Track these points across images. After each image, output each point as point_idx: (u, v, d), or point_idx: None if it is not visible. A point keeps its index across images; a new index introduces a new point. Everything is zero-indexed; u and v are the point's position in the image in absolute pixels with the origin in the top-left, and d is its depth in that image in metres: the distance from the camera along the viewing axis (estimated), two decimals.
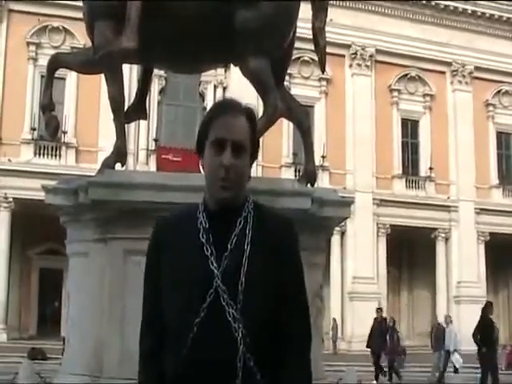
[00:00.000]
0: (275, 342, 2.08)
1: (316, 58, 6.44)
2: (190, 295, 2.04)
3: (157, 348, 2.16)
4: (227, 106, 2.19)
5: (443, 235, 36.60)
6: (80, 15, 6.74)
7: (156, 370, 2.14)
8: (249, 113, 2.19)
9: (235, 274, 2.03)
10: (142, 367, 2.23)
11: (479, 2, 37.53)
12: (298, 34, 6.08)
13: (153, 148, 32.21)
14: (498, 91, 38.84)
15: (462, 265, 36.04)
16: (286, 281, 2.10)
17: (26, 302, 33.01)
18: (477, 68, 37.57)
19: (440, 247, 36.59)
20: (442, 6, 37.05)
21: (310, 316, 2.21)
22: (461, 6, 37.25)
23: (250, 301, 2.02)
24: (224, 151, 2.10)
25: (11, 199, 29.61)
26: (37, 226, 29.25)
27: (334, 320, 32.35)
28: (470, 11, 37.48)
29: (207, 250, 2.07)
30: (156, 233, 2.22)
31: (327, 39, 6.26)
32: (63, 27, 31.45)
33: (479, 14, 37.69)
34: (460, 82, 37.66)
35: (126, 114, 5.99)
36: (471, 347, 32.98)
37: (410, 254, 39.40)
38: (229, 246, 2.07)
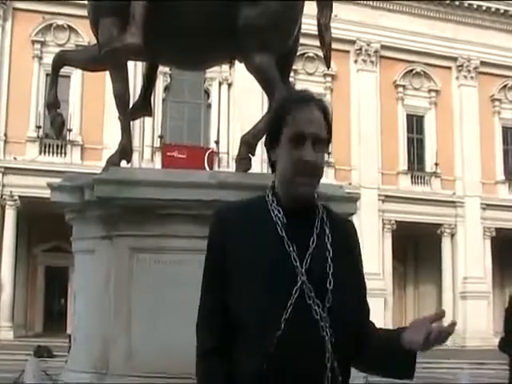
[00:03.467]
0: (358, 339, 2.06)
1: (321, 54, 6.42)
2: (275, 292, 1.94)
3: (223, 342, 2.02)
4: (301, 100, 2.11)
5: (449, 231, 36.51)
6: (85, 13, 6.73)
7: (223, 370, 2.00)
8: (322, 104, 2.13)
9: (321, 272, 1.98)
10: (203, 367, 2.06)
11: None
12: (302, 30, 6.06)
13: (158, 145, 32.22)
14: (504, 86, 38.66)
15: (467, 260, 35.95)
16: (360, 280, 2.13)
17: (32, 300, 33.08)
18: (482, 63, 37.40)
19: (446, 243, 36.50)
20: (448, 1, 36.90)
21: None
22: (466, 1, 37.10)
23: (337, 299, 1.97)
24: (303, 146, 2.03)
25: (17, 197, 29.65)
26: (42, 224, 29.32)
27: None
28: (475, 6, 37.30)
29: (289, 246, 1.99)
30: (218, 224, 2.11)
31: (332, 35, 6.24)
32: (68, 25, 31.46)
33: (484, 8, 37.50)
34: (465, 77, 37.52)
35: (131, 111, 5.98)
36: (479, 343, 33.05)
37: (416, 249, 39.34)
38: (311, 244, 2.01)
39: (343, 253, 2.05)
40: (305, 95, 2.15)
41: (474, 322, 34.52)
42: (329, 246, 2.02)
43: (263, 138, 2.31)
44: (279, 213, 2.04)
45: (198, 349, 2.07)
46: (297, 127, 2.04)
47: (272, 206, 2.07)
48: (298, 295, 1.94)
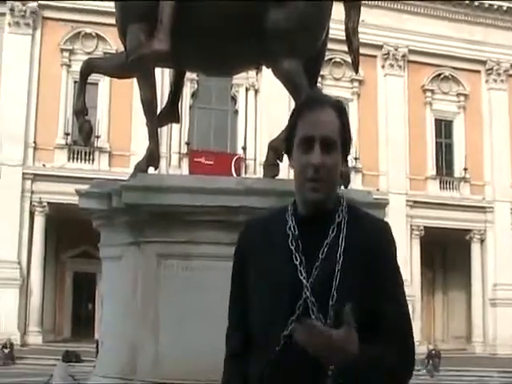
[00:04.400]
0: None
1: (348, 59, 6.37)
2: (278, 305, 1.94)
3: (240, 349, 2.08)
4: (313, 101, 2.06)
5: (478, 236, 36.12)
6: (112, 21, 6.77)
7: (238, 370, 2.06)
8: (338, 105, 2.05)
9: (326, 286, 1.92)
10: (225, 368, 2.14)
11: None
12: (329, 35, 6.02)
13: (185, 151, 32.37)
14: None
15: (498, 267, 35.51)
16: (379, 286, 1.96)
17: (61, 305, 33.41)
18: None
19: (475, 249, 36.11)
20: (477, 4, 36.57)
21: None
22: (496, 2, 36.71)
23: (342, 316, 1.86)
24: (312, 149, 1.97)
25: (45, 204, 30.01)
26: (70, 230, 29.60)
27: None
28: (505, 8, 36.93)
29: (296, 259, 1.95)
30: (243, 234, 2.14)
31: (359, 40, 6.19)
32: (96, 33, 31.83)
33: None
34: (495, 80, 37.15)
35: (158, 118, 5.99)
36: (510, 351, 32.59)
37: (445, 255, 38.97)
38: (320, 255, 1.95)
39: (358, 260, 1.95)
40: (319, 96, 2.12)
41: (504, 329, 34.08)
42: (338, 258, 1.94)
43: None
44: (292, 222, 2.02)
45: (226, 351, 2.15)
46: (304, 130, 1.99)
47: (288, 215, 2.05)
48: (301, 310, 1.91)
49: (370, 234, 2.01)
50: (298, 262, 1.95)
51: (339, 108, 2.04)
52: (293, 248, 1.97)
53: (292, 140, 2.04)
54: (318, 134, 1.97)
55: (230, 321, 2.15)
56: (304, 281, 1.92)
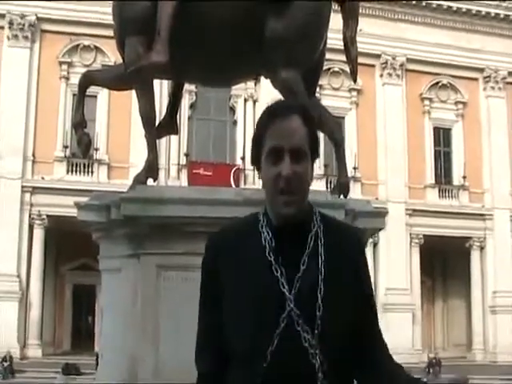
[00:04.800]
0: (355, 367, 1.95)
1: (346, 69, 6.38)
2: (261, 320, 1.87)
3: (214, 366, 2.00)
4: (278, 109, 1.98)
5: (478, 244, 36.11)
6: (110, 33, 6.78)
7: None
8: (303, 111, 1.98)
9: (310, 296, 1.87)
10: None
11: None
12: (327, 45, 6.03)
13: (184, 163, 32.38)
14: None
15: (497, 274, 35.48)
16: (362, 296, 1.98)
17: (60, 318, 33.33)
18: (510, 73, 37.14)
19: (475, 256, 36.09)
20: (474, 12, 36.70)
21: None
22: (493, 10, 36.85)
23: (328, 326, 1.86)
24: (282, 160, 1.90)
25: (45, 216, 30.00)
26: (70, 243, 29.58)
27: None
28: (502, 16, 37.07)
29: (276, 271, 1.90)
30: (211, 247, 2.05)
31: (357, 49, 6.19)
32: (94, 46, 31.91)
33: (511, 18, 37.27)
34: (493, 88, 37.22)
35: (157, 130, 5.99)
36: (510, 358, 32.51)
37: (444, 263, 38.94)
38: (301, 266, 1.90)
39: (339, 269, 1.92)
40: (283, 103, 2.06)
41: (504, 336, 34.01)
42: (321, 267, 1.90)
43: None
44: (268, 235, 1.95)
45: (197, 370, 2.06)
46: (272, 141, 1.92)
47: (262, 227, 1.98)
48: (286, 323, 1.86)
49: (346, 243, 1.99)
50: (278, 274, 1.89)
51: (305, 114, 1.98)
52: (272, 260, 1.91)
53: (259, 151, 1.96)
54: (287, 144, 1.90)
55: (199, 337, 2.06)
56: (287, 293, 1.87)
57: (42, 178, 30.35)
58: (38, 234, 30.14)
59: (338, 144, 6.06)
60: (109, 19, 7.00)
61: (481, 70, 37.11)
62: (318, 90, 7.16)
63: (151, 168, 5.77)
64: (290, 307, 1.86)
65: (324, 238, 1.95)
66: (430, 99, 36.71)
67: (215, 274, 1.98)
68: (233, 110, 34.17)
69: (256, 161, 2.00)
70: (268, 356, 1.85)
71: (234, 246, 1.99)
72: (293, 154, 1.91)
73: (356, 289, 1.95)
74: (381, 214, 5.88)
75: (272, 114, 1.97)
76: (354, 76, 6.19)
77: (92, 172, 31.30)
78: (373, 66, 35.07)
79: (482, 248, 36.18)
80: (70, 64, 31.88)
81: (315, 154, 2.00)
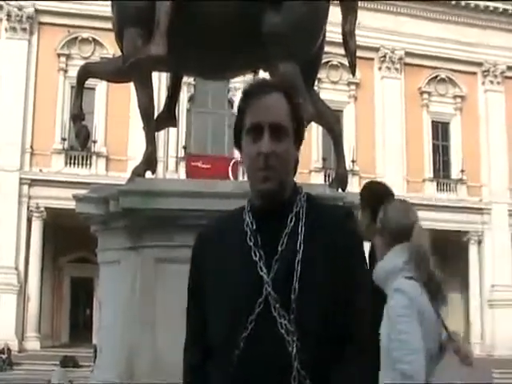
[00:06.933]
0: (333, 355, 1.80)
1: (345, 62, 6.38)
2: (236, 306, 1.80)
3: (201, 362, 1.96)
4: (258, 86, 1.94)
5: (476, 238, 36.12)
6: (109, 26, 6.76)
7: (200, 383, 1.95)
8: (285, 89, 1.93)
9: (287, 279, 1.78)
10: (186, 381, 2.05)
11: (510, 0, 37.02)
12: (326, 38, 6.02)
13: (182, 155, 32.34)
14: None
15: (495, 268, 35.53)
16: (344, 282, 1.82)
17: (58, 311, 33.33)
18: (509, 67, 37.08)
19: (473, 250, 36.11)
20: (473, 6, 36.62)
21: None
22: (491, 4, 36.75)
23: (305, 310, 1.76)
24: (262, 137, 1.84)
25: (43, 209, 29.95)
26: (68, 235, 29.53)
27: None
28: (501, 9, 36.98)
29: (255, 255, 1.82)
30: (199, 242, 2.01)
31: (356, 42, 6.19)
32: (93, 38, 31.79)
33: (510, 12, 37.18)
34: (492, 82, 37.18)
35: (155, 122, 5.98)
36: (507, 352, 32.58)
37: (442, 257, 38.37)
38: (279, 247, 1.82)
39: (320, 251, 1.81)
40: (265, 81, 2.01)
41: (502, 330, 34.07)
42: (299, 248, 1.81)
43: None
44: (249, 218, 1.89)
45: (183, 365, 2.05)
46: (252, 118, 1.87)
47: (245, 211, 1.92)
48: (263, 308, 1.77)
49: (332, 225, 1.88)
50: (257, 258, 1.81)
51: (287, 92, 1.92)
52: (251, 244, 1.84)
53: (240, 130, 1.91)
54: (266, 120, 1.84)
55: (187, 333, 2.05)
56: (265, 276, 1.79)
57: (40, 171, 30.29)
58: (36, 227, 30.11)
59: (336, 137, 6.06)
60: (107, 11, 6.98)
61: (479, 64, 37.05)
62: (316, 83, 7.15)
63: (150, 161, 5.77)
64: (267, 291, 1.78)
65: (305, 217, 1.86)
66: (429, 93, 36.66)
67: (200, 270, 1.96)
68: (231, 102, 34.11)
69: (237, 141, 1.95)
70: (241, 343, 1.78)
71: (219, 236, 1.94)
72: (272, 130, 1.85)
73: (336, 275, 1.81)
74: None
75: (251, 92, 1.93)
76: (352, 69, 6.19)
77: (90, 164, 31.24)
78: (371, 59, 34.99)
79: (479, 242, 36.19)
80: (68, 56, 31.78)
81: (299, 134, 1.93)
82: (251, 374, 1.77)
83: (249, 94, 1.94)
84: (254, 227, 1.87)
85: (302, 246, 1.82)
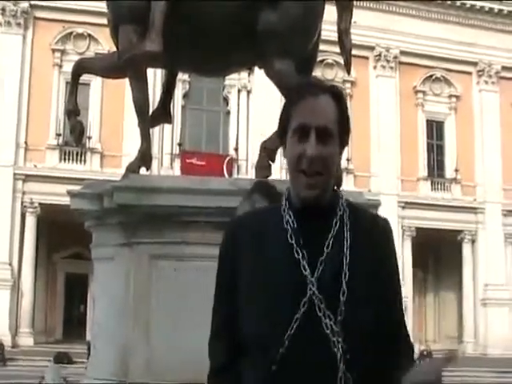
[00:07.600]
0: (379, 356, 1.82)
1: (340, 61, 6.38)
2: (280, 303, 1.77)
3: (228, 362, 1.90)
4: (308, 87, 1.91)
5: (469, 237, 36.22)
6: (104, 21, 6.75)
7: None
8: (335, 92, 1.90)
9: (334, 280, 1.78)
10: (213, 382, 1.96)
11: (506, 0, 37.10)
12: (321, 37, 6.02)
13: (177, 152, 32.32)
14: None
15: (489, 267, 35.63)
16: (387, 284, 1.88)
17: (52, 307, 33.29)
18: (504, 68, 37.17)
19: (466, 249, 36.21)
20: (468, 6, 36.69)
21: None
22: (487, 4, 36.83)
23: (353, 311, 1.76)
24: (307, 139, 1.82)
25: (37, 204, 29.90)
26: (62, 231, 29.50)
27: None
28: (496, 10, 37.07)
29: (298, 254, 1.80)
30: (232, 233, 1.95)
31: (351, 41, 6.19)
32: (88, 33, 31.73)
33: (506, 12, 37.27)
34: (486, 82, 37.26)
35: (150, 119, 5.98)
36: (500, 351, 32.72)
37: (436, 256, 39.05)
38: (325, 249, 1.81)
39: (365, 256, 1.84)
40: (315, 82, 1.97)
41: (495, 329, 34.20)
42: (346, 251, 1.82)
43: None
44: (290, 217, 1.87)
45: (210, 365, 1.96)
46: (299, 119, 1.84)
47: (284, 210, 1.90)
48: (307, 308, 1.76)
49: (374, 230, 1.91)
50: (300, 257, 1.80)
51: (337, 95, 1.91)
52: (293, 242, 1.82)
53: (286, 130, 1.89)
54: (314, 123, 1.83)
55: (213, 328, 1.97)
56: (309, 276, 1.78)
57: (35, 166, 30.23)
58: (31, 222, 30.04)
59: None
60: (103, 7, 6.97)
61: (474, 64, 37.13)
62: None
63: (144, 157, 5.77)
64: (311, 291, 1.77)
65: (350, 222, 1.87)
66: (424, 92, 36.72)
67: (233, 262, 1.90)
68: (226, 100, 34.10)
69: (283, 140, 1.93)
70: (286, 341, 1.75)
71: (256, 232, 1.90)
72: (319, 133, 1.83)
73: (380, 279, 1.86)
74: (373, 205, 5.91)
75: (301, 92, 1.90)
76: (347, 68, 6.20)
77: (85, 160, 31.20)
78: (366, 58, 35.03)
79: (473, 241, 36.30)
80: (63, 52, 31.70)
81: (345, 140, 1.92)
82: (295, 373, 1.75)
83: (297, 93, 1.92)
84: (295, 226, 1.86)
85: (348, 249, 1.83)
